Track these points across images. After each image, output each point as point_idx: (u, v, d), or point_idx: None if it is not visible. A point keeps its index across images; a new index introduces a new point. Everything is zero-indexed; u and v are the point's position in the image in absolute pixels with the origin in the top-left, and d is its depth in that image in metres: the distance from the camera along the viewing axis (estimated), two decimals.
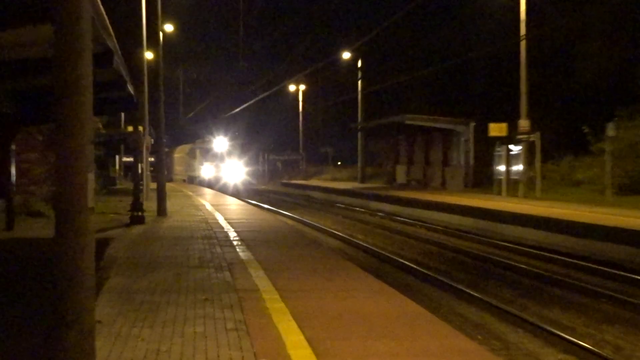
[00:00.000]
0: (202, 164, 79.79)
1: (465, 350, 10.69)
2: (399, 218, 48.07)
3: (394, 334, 11.50)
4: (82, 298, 8.31)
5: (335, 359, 9.92)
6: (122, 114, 49.81)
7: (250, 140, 75.60)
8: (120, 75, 18.35)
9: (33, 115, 26.01)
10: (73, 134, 8.21)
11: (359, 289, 15.76)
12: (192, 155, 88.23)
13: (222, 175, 74.00)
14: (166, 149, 50.97)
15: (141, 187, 35.59)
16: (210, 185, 73.33)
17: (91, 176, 8.38)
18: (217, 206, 43.14)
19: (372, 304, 13.96)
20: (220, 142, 76.71)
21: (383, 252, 30.58)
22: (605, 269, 25.49)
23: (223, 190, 67.77)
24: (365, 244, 33.36)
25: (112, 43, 13.43)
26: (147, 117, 40.27)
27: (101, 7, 8.63)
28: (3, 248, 23.07)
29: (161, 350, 10.20)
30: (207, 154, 78.90)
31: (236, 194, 63.46)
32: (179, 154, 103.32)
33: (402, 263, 27.48)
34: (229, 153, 76.92)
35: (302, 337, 10.93)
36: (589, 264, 26.52)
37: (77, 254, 8.29)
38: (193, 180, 79.47)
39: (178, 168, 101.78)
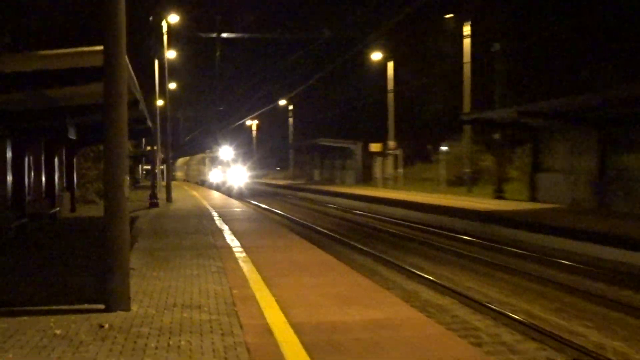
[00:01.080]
0: (210, 170, 71.24)
1: (360, 282, 11.00)
2: (316, 201, 49.50)
3: (316, 273, 11.84)
4: (121, 253, 8.63)
5: (279, 287, 10.22)
6: (144, 139, 51.29)
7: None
8: (143, 115, 18.88)
9: (89, 140, 26.46)
10: (117, 151, 8.55)
11: (293, 246, 16.07)
12: (202, 162, 77.81)
13: (223, 179, 64.34)
14: (171, 161, 51.93)
15: (156, 184, 35.89)
16: (210, 186, 65.20)
17: (127, 177, 8.73)
18: (204, 196, 43.13)
19: (301, 256, 14.28)
20: (224, 152, 68.76)
21: (307, 223, 30.61)
22: (440, 231, 25.98)
23: (212, 188, 62.90)
24: (296, 218, 33.46)
25: (139, 95, 13.68)
26: (159, 141, 41.76)
27: (132, 72, 8.90)
28: (69, 222, 23.19)
29: (171, 286, 10.50)
30: (213, 162, 71.41)
31: (217, 189, 59.89)
32: (179, 163, 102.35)
33: (319, 230, 27.55)
34: (225, 162, 69.78)
35: (259, 276, 11.28)
36: (431, 228, 27.05)
37: (118, 225, 8.63)
38: (203, 183, 70.04)
39: (178, 173, 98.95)
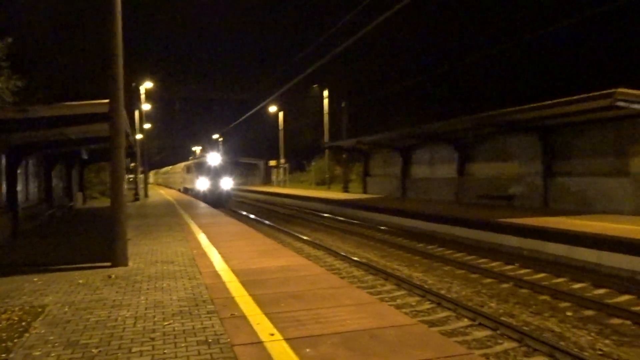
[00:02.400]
0: (197, 178, 38.26)
1: (269, 243, 10.71)
2: (235, 195, 42.11)
3: (243, 238, 11.46)
4: (122, 229, 8.10)
5: (221, 247, 9.85)
6: (130, 158, 47.86)
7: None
8: (130, 143, 17.71)
9: (94, 159, 24.68)
10: (118, 165, 8.01)
11: (228, 223, 15.50)
12: (187, 170, 43.80)
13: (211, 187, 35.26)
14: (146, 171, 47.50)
15: (137, 187, 33.98)
16: (197, 195, 36.35)
17: (124, 182, 8.20)
18: (169, 194, 41.36)
19: (233, 228, 13.81)
20: (211, 159, 38.32)
21: (231, 208, 28.96)
22: (311, 211, 25.42)
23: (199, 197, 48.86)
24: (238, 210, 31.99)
25: (129, 130, 12.90)
26: (139, 159, 39.16)
27: (126, 116, 8.36)
28: (82, 211, 21.57)
29: (153, 249, 9.99)
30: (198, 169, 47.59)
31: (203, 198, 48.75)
32: (151, 173, 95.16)
33: (238, 212, 26.20)
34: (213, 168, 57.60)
35: (208, 241, 10.90)
36: (306, 210, 26.26)
37: (120, 210, 8.10)
38: (187, 191, 39.84)
39: (151, 180, 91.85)
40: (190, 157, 53.96)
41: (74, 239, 12.08)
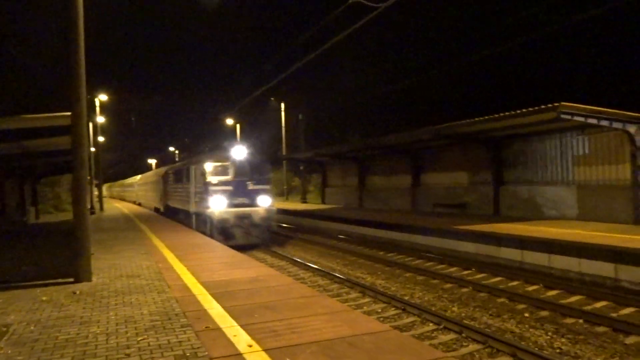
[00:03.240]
0: (202, 192, 17.79)
1: (235, 254, 10.50)
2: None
3: (207, 250, 11.21)
4: (85, 243, 7.81)
5: (187, 260, 9.61)
6: None
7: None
8: (89, 156, 17.12)
9: (48, 172, 23.80)
10: (81, 178, 7.72)
11: (189, 236, 15.06)
12: (174, 178, 24.01)
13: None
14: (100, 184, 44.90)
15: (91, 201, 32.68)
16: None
17: (87, 195, 7.90)
18: (124, 206, 40.13)
19: (195, 240, 13.44)
20: (237, 153, 18.17)
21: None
22: (279, 224, 25.07)
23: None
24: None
25: (89, 144, 12.48)
26: (93, 172, 37.73)
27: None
28: (36, 226, 20.52)
29: (116, 264, 9.63)
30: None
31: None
32: (105, 186, 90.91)
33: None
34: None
35: (172, 254, 10.61)
36: None
37: (82, 224, 7.81)
38: (169, 212, 24.85)
39: (105, 192, 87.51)
40: (178, 161, 38.80)
41: (31, 254, 11.48)
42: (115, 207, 40.34)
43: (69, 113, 7.75)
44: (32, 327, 5.30)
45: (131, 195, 53.34)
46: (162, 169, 30.48)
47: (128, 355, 4.38)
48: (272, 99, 47.18)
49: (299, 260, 13.82)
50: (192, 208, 18.49)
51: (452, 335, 7.09)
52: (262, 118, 59.84)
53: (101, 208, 33.05)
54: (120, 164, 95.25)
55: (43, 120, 8.24)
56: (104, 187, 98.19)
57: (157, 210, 29.97)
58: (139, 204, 42.21)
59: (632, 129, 13.28)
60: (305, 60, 16.46)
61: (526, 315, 8.04)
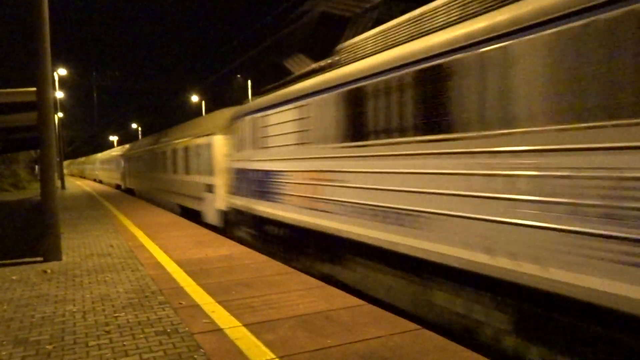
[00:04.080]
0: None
1: (206, 233, 10.41)
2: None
3: (178, 229, 11.09)
4: (54, 221, 7.63)
5: (158, 239, 9.52)
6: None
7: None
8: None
9: (6, 150, 22.64)
10: (49, 155, 7.50)
11: (156, 214, 14.81)
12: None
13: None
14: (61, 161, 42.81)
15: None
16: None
17: (55, 172, 7.70)
18: (86, 184, 38.98)
19: (164, 219, 13.24)
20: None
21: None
22: None
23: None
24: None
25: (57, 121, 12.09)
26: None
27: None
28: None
29: (85, 243, 9.44)
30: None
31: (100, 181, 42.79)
32: (66, 164, 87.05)
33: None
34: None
35: (142, 233, 10.48)
36: None
37: (50, 203, 7.63)
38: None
39: (65, 170, 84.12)
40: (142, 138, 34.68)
41: None
42: (76, 185, 39.18)
43: (33, 89, 7.47)
44: (5, 306, 5.19)
45: (92, 173, 52.66)
46: (126, 146, 29.06)
47: (108, 332, 4.36)
48: (239, 75, 46.54)
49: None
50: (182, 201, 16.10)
51: None
52: (228, 95, 58.90)
53: (62, 186, 32.02)
54: (78, 141, 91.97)
55: (5, 96, 7.89)
56: (65, 163, 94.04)
57: (118, 187, 30.05)
58: (100, 181, 42.49)
59: None
60: (275, 37, 16.20)
61: None
